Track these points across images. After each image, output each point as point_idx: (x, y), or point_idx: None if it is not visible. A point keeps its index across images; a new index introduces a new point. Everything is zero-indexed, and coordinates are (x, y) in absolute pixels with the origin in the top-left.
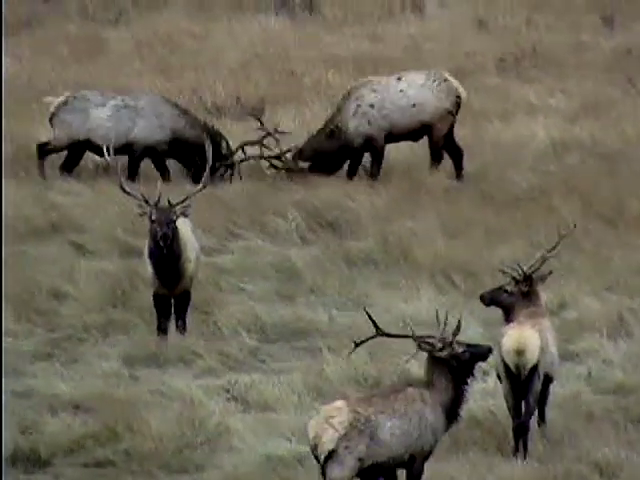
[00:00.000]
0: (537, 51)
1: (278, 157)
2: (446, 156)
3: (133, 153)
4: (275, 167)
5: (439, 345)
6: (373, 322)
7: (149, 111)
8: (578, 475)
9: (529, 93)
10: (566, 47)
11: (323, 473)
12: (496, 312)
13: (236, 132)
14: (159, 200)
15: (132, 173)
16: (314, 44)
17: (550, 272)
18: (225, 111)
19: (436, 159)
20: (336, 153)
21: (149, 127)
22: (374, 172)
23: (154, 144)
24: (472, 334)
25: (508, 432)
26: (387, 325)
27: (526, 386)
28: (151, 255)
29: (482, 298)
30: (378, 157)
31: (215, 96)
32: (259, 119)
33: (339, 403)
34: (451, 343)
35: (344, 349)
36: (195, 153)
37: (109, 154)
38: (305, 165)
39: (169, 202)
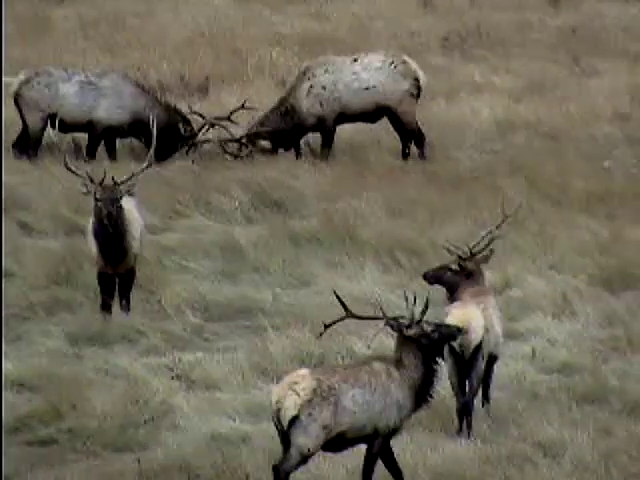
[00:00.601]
0: (482, 30)
1: (238, 140)
2: (391, 135)
3: (94, 132)
4: (231, 153)
5: (407, 324)
6: (342, 304)
7: (111, 91)
8: (522, 454)
9: (474, 72)
10: (511, 26)
11: (286, 441)
12: (440, 291)
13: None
14: (104, 179)
15: (91, 152)
16: (259, 23)
17: (492, 250)
18: (170, 89)
19: (410, 141)
20: (291, 131)
21: (111, 107)
22: (323, 153)
23: (115, 125)
24: (416, 313)
25: (452, 412)
26: (333, 305)
27: (470, 365)
28: (96, 233)
29: (425, 277)
30: (328, 138)
31: (160, 74)
32: (200, 114)
33: (303, 371)
34: (419, 322)
35: (288, 327)
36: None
37: (53, 129)
38: (267, 144)
39: (114, 181)
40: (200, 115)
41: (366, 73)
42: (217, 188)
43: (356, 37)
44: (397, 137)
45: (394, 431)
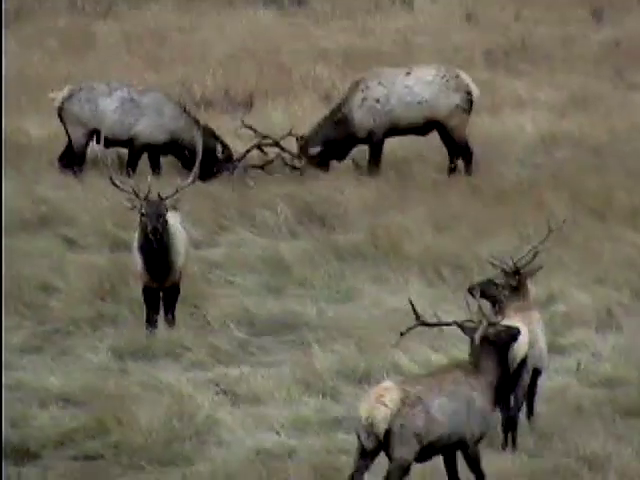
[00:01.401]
0: (526, 44)
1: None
2: (434, 149)
3: (133, 148)
4: (294, 167)
5: (490, 332)
6: (414, 311)
7: (152, 109)
8: (567, 469)
9: (518, 87)
10: (555, 40)
11: (373, 455)
12: (484, 305)
13: (224, 125)
14: (149, 193)
15: (131, 167)
16: (303, 37)
17: (540, 267)
18: (214, 104)
19: (457, 156)
20: (343, 141)
21: (150, 125)
22: (371, 166)
23: (153, 142)
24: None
25: (497, 426)
26: (377, 319)
27: (515, 379)
28: (141, 248)
29: (470, 290)
30: (377, 151)
31: (204, 89)
32: (251, 127)
33: (386, 383)
34: (493, 324)
35: (333, 342)
36: (191, 154)
37: (98, 143)
38: (316, 150)
39: (159, 195)
40: (252, 128)
41: (418, 86)
42: (262, 203)
43: (400, 52)
44: (441, 151)
45: (481, 437)
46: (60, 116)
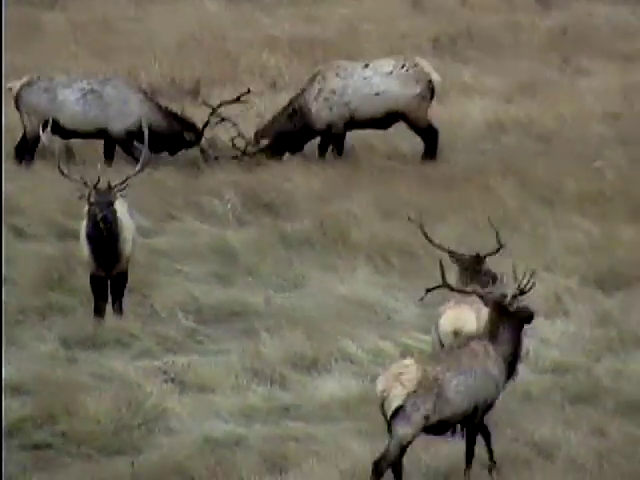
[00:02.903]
0: (472, 31)
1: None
2: (381, 136)
3: (109, 138)
4: (244, 152)
5: (509, 299)
6: (442, 273)
7: (116, 98)
8: (516, 455)
9: (464, 73)
10: (502, 27)
11: (389, 429)
12: (433, 292)
13: None
14: (98, 182)
15: (108, 156)
16: (250, 25)
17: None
18: (161, 92)
19: (431, 138)
20: (297, 133)
21: (117, 115)
22: (335, 155)
23: (126, 130)
24: (409, 314)
25: None
26: (325, 307)
27: None
28: (89, 237)
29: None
30: (338, 144)
31: (151, 77)
32: (211, 106)
33: (408, 361)
34: (515, 297)
35: (281, 330)
36: (160, 139)
37: (43, 132)
38: (265, 143)
39: (108, 184)
40: (210, 106)
41: (377, 78)
42: (209, 191)
43: (346, 39)
44: (387, 139)
45: (491, 405)
46: (17, 104)
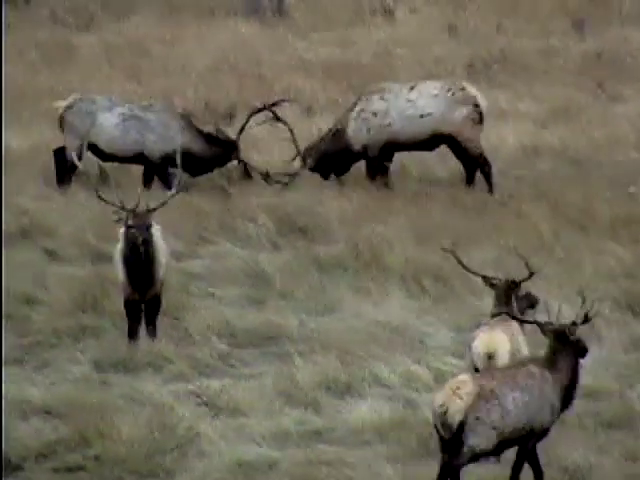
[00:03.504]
0: (506, 56)
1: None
2: (415, 160)
3: (149, 163)
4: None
5: (570, 329)
6: (506, 299)
7: (158, 123)
8: (549, 479)
9: (499, 98)
10: (536, 52)
11: (454, 447)
12: (466, 317)
13: None
14: (137, 206)
15: (147, 180)
16: (284, 49)
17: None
18: (195, 116)
19: (475, 169)
20: (339, 154)
21: (158, 140)
22: (370, 179)
23: (165, 155)
24: (442, 338)
25: None
26: (358, 331)
27: None
28: (126, 260)
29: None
30: (372, 167)
31: (185, 101)
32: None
33: (463, 377)
34: (577, 324)
35: (314, 354)
36: (201, 163)
37: (79, 160)
38: (310, 165)
39: (147, 207)
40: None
41: (422, 100)
42: (243, 214)
43: (380, 64)
44: (422, 162)
45: (546, 431)
46: (60, 125)
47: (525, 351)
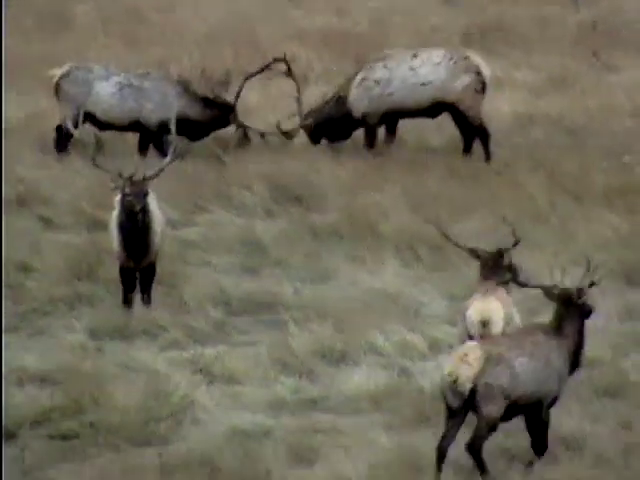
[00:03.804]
0: (503, 25)
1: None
2: (411, 129)
3: (145, 131)
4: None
5: (576, 294)
6: (513, 269)
7: (154, 91)
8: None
9: (495, 67)
10: (532, 21)
11: (459, 415)
12: (460, 285)
13: None
14: (134, 174)
15: (143, 148)
16: (280, 17)
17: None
18: (191, 83)
19: (474, 138)
20: (340, 121)
21: (155, 108)
22: (367, 147)
23: (162, 123)
24: (437, 307)
25: None
26: (353, 299)
27: None
28: (122, 228)
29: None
30: (370, 134)
31: (181, 69)
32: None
33: (470, 343)
34: (583, 289)
35: (309, 322)
36: (200, 128)
37: (76, 128)
38: (306, 123)
39: (143, 175)
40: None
41: (425, 68)
42: (238, 182)
43: (377, 32)
44: (418, 132)
45: (554, 399)
46: (56, 94)
47: (517, 319)
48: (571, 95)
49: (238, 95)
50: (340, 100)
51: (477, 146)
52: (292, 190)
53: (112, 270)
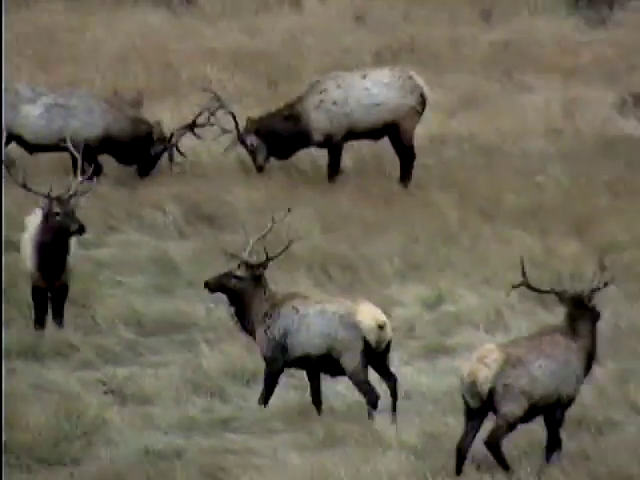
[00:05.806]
0: (415, 45)
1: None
2: (323, 150)
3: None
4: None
5: (587, 297)
6: (523, 272)
7: (81, 109)
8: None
9: None
10: (443, 41)
11: (477, 415)
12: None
13: None
14: (65, 193)
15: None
16: (192, 37)
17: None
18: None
19: (407, 160)
20: (289, 138)
21: (82, 126)
22: (331, 171)
23: (87, 141)
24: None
25: (384, 424)
26: None
27: (383, 358)
28: (44, 247)
29: (207, 285)
30: (335, 155)
31: (93, 89)
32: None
33: (489, 345)
34: (594, 291)
35: (221, 342)
36: (127, 148)
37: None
38: (252, 140)
39: (69, 195)
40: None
41: (376, 88)
42: (150, 203)
43: (289, 52)
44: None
45: (571, 400)
46: None
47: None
48: (484, 115)
49: (170, 140)
50: (292, 119)
51: (389, 167)
52: (204, 211)
53: (23, 291)
